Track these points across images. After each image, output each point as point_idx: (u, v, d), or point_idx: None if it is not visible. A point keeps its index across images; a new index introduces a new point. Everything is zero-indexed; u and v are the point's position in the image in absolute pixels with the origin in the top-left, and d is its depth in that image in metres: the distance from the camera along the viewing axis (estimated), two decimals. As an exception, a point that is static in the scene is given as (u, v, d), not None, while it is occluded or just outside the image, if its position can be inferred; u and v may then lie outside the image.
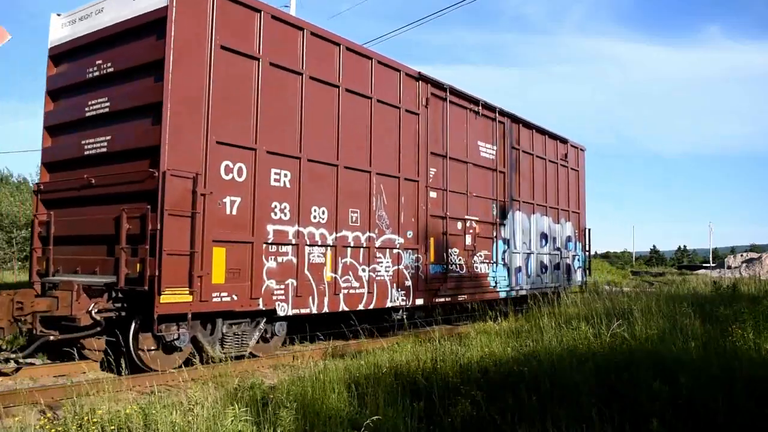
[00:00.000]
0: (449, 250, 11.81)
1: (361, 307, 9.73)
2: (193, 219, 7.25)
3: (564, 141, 17.03)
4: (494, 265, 13.25)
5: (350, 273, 9.58)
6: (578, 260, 17.79)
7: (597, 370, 5.85)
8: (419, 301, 10.96)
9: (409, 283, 10.73)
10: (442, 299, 11.55)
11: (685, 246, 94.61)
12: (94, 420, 4.61)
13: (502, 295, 13.55)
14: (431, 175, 11.45)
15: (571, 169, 17.30)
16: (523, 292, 14.40)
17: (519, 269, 14.30)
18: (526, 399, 5.09)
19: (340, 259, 9.37)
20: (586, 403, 4.99)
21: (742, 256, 46.63)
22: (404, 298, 10.61)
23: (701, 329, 7.81)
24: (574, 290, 16.88)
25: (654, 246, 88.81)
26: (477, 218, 12.67)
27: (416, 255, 10.93)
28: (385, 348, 8.35)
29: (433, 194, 11.46)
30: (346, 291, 9.45)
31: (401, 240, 10.57)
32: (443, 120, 11.92)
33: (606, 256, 79.52)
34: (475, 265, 12.60)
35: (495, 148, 13.54)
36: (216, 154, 7.63)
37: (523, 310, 13.56)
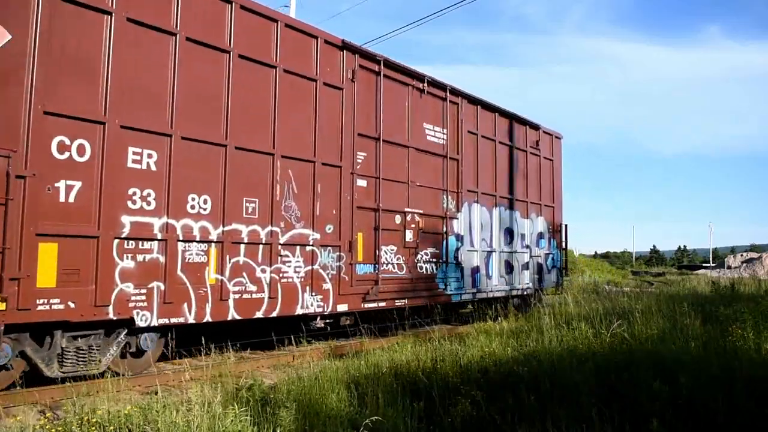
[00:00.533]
0: (383, 248, 10.25)
1: (259, 314, 8.13)
2: (6, 207, 5.87)
3: (535, 127, 15.27)
4: (444, 264, 11.63)
5: (244, 274, 8.00)
6: (553, 259, 15.99)
7: (597, 370, 5.85)
8: (342, 307, 9.38)
9: (327, 286, 9.14)
10: (374, 304, 9.94)
11: (685, 246, 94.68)
12: (94, 420, 4.61)
13: (455, 298, 11.96)
14: (360, 161, 9.89)
15: (544, 158, 15.57)
16: (483, 295, 12.78)
17: (477, 269, 12.63)
18: (526, 399, 5.09)
19: (228, 257, 7.81)
20: (586, 403, 4.99)
21: (742, 256, 46.63)
22: (321, 303, 9.03)
23: (701, 329, 7.81)
24: (550, 292, 16.24)
25: (654, 246, 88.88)
26: (421, 211, 11.10)
27: (338, 253, 9.38)
28: (385, 348, 8.35)
29: (362, 182, 9.92)
30: (237, 296, 7.88)
31: (317, 235, 9.02)
32: (376, 97, 10.33)
33: (606, 256, 79.54)
34: (418, 264, 11.01)
35: (446, 132, 11.94)
36: (44, 127, 6.19)
37: (472, 317, 12.18)
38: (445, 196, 11.85)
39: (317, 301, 9.00)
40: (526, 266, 14.51)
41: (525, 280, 14.38)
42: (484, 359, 6.69)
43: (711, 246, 78.08)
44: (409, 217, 10.89)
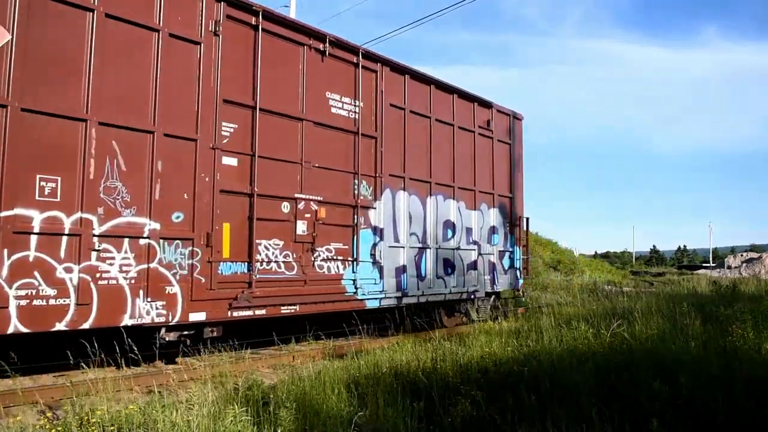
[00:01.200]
0: (263, 243, 8.36)
1: (62, 326, 6.30)
2: None
3: (486, 104, 13.07)
4: (354, 263, 9.63)
5: (37, 274, 6.21)
6: (510, 258, 13.77)
7: (597, 370, 5.85)
8: (197, 316, 7.51)
9: (174, 289, 7.28)
10: (247, 312, 8.07)
11: (685, 246, 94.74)
12: (94, 420, 4.61)
13: (372, 304, 9.93)
14: (227, 134, 8.02)
15: (499, 141, 13.39)
16: (412, 300, 10.82)
17: (403, 269, 10.62)
18: (526, 399, 5.10)
19: (7, 252, 6.01)
20: (586, 403, 4.99)
21: (742, 256, 46.63)
22: (164, 311, 7.16)
23: (701, 329, 7.81)
24: (508, 294, 14.58)
25: (654, 246, 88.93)
26: (320, 198, 9.11)
27: (191, 248, 7.50)
28: (385, 348, 8.35)
29: (229, 160, 8.06)
30: (24, 302, 6.06)
31: (156, 225, 7.14)
32: (254, 57, 8.39)
33: (606, 256, 79.57)
34: (316, 263, 9.05)
35: (359, 104, 9.96)
36: None
37: (397, 326, 10.80)
38: (356, 181, 9.81)
39: (157, 308, 7.13)
40: (473, 265, 12.37)
41: (472, 281, 12.31)
42: (484, 359, 6.69)
43: (711, 246, 78.10)
44: (302, 206, 8.86)
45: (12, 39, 6.11)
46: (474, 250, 12.46)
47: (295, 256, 8.80)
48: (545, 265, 29.87)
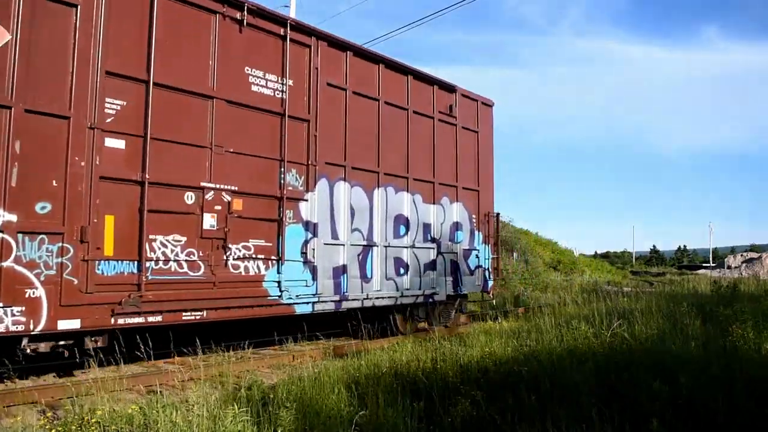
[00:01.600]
0: (158, 238, 7.23)
1: None
2: None
3: (448, 88, 11.90)
4: (278, 263, 8.44)
5: None
6: (477, 257, 12.49)
7: (597, 370, 5.86)
8: (69, 324, 6.39)
9: (37, 292, 6.18)
10: (136, 319, 6.94)
11: (685, 246, 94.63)
12: (95, 420, 4.61)
13: (303, 309, 8.78)
14: (112, 111, 6.92)
15: (464, 128, 12.21)
16: (355, 304, 9.61)
17: (343, 269, 9.44)
18: (526, 399, 5.10)
19: None
20: (586, 403, 4.99)
21: (742, 256, 46.65)
22: (24, 318, 6.07)
23: (701, 329, 7.81)
24: (476, 297, 13.49)
25: (654, 246, 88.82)
26: (235, 188, 7.97)
27: (60, 244, 6.40)
28: (385, 348, 8.35)
29: (114, 143, 6.95)
30: None
31: (12, 217, 6.09)
32: (150, 24, 7.29)
33: (606, 256, 79.55)
34: (230, 262, 7.87)
35: (288, 82, 8.77)
36: None
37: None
38: (283, 170, 8.62)
39: (14, 315, 6.03)
40: (431, 266, 11.22)
41: (430, 283, 11.15)
42: (484, 359, 6.69)
43: (711, 246, 78.07)
44: (210, 196, 7.72)
45: None
46: (432, 248, 11.26)
47: (201, 254, 7.60)
48: (545, 265, 29.87)
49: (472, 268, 12.40)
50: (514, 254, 25.57)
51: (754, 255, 44.98)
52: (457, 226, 11.97)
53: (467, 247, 12.24)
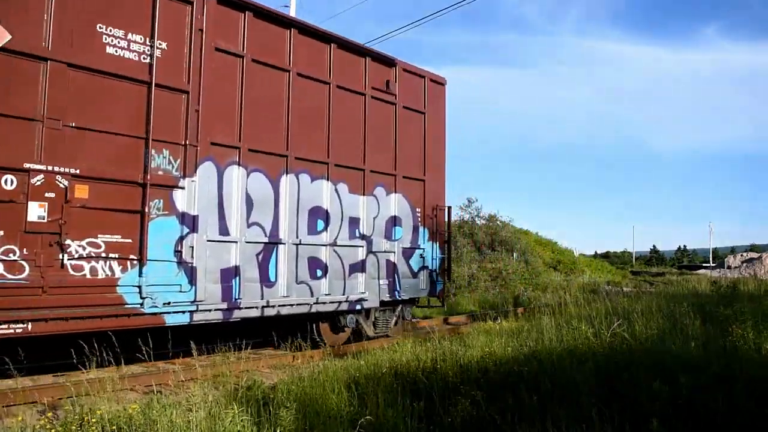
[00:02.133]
0: None
1: None
2: None
3: (386, 62, 10.35)
4: (138, 264, 7.00)
5: None
6: (422, 257, 10.98)
7: (597, 370, 5.86)
8: None
9: None
10: None
11: (685, 246, 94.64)
12: (94, 420, 4.61)
13: (174, 319, 7.34)
14: None
15: (407, 108, 10.71)
16: (252, 313, 8.12)
17: (236, 272, 7.93)
18: (526, 399, 5.10)
19: None
20: (586, 403, 4.99)
21: (742, 256, 46.65)
22: None
23: (701, 329, 7.81)
24: (424, 302, 11.72)
25: (654, 246, 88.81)
26: (77, 171, 6.56)
27: None
28: (385, 348, 8.36)
29: None
30: None
31: None
32: None
33: (606, 256, 79.55)
34: (68, 263, 6.47)
35: (160, 45, 7.34)
36: None
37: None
38: (149, 150, 7.16)
39: None
40: (359, 267, 9.67)
41: (357, 287, 9.58)
42: (484, 359, 6.70)
43: (711, 246, 78.07)
44: (39, 180, 6.30)
45: None
46: (361, 247, 9.68)
47: (25, 252, 6.18)
48: (545, 265, 29.88)
49: (416, 269, 10.83)
50: (514, 254, 25.57)
51: (754, 255, 44.99)
52: (395, 221, 10.40)
53: (409, 246, 10.68)
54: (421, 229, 11.00)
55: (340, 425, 4.71)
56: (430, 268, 11.17)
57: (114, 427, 4.56)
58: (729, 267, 42.66)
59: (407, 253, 10.71)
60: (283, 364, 8.49)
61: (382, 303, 10.20)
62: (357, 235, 9.73)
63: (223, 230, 7.92)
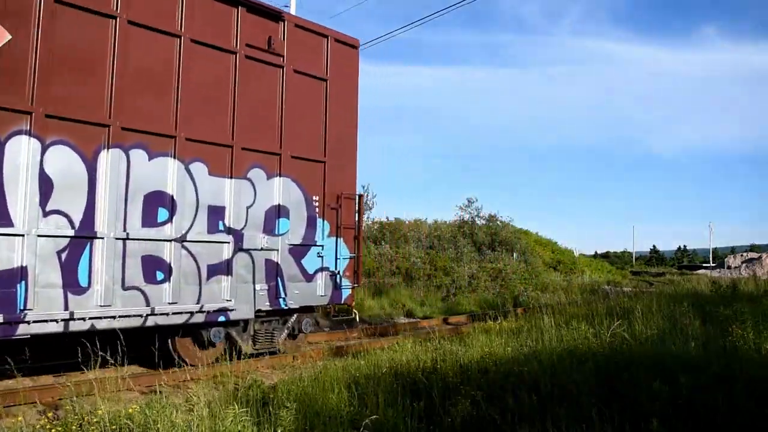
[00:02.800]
0: None
1: None
2: None
3: (270, 14, 8.53)
4: None
5: None
6: (319, 256, 8.98)
7: (597, 370, 5.86)
8: None
9: None
10: None
11: (685, 246, 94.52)
12: (95, 420, 4.61)
13: None
14: None
15: (299, 73, 8.77)
16: (49, 327, 6.31)
17: (20, 274, 6.13)
18: (526, 399, 5.10)
19: None
20: (586, 403, 5.00)
21: (742, 256, 46.66)
22: None
23: (701, 329, 7.82)
24: (321, 313, 10.37)
25: (654, 246, 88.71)
26: None
27: None
28: (385, 348, 8.36)
29: None
30: None
31: None
32: None
33: (606, 256, 79.55)
34: None
35: None
36: None
37: None
38: None
39: None
40: (223, 268, 7.79)
41: (222, 294, 7.73)
42: (484, 359, 6.70)
43: (711, 246, 78.05)
44: None
45: None
46: (226, 243, 7.82)
47: None
48: (545, 265, 29.87)
49: (311, 271, 8.88)
50: (514, 254, 25.57)
51: (754, 255, 44.99)
52: (279, 212, 8.49)
53: (301, 242, 8.72)
54: (319, 222, 9.01)
55: (340, 425, 4.71)
56: (332, 269, 9.16)
57: (114, 427, 4.56)
58: (729, 267, 42.66)
59: (298, 252, 8.69)
60: (283, 364, 8.49)
61: (260, 313, 8.28)
62: (220, 228, 7.80)
63: (2, 220, 6.06)
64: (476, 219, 26.98)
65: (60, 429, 4.63)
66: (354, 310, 9.83)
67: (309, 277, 8.92)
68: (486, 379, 5.90)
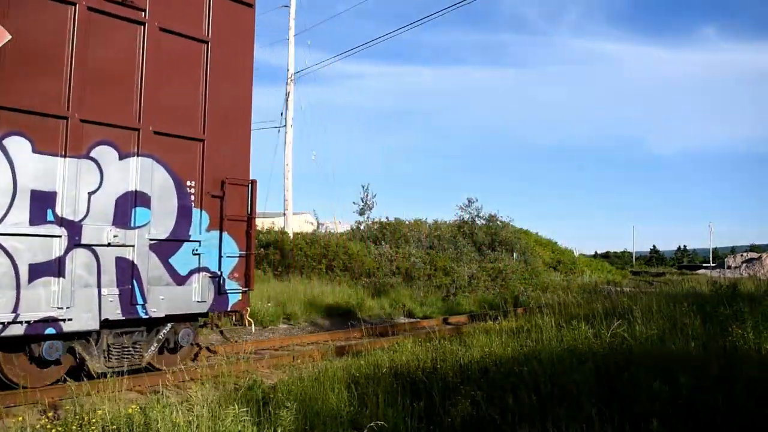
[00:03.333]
0: None
1: None
2: None
3: None
4: None
5: None
6: (194, 254, 7.62)
7: (597, 370, 5.86)
8: None
9: None
10: None
11: (685, 246, 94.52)
12: (95, 420, 4.62)
13: None
14: None
15: (166, 32, 7.46)
16: None
17: None
18: (526, 399, 5.10)
19: None
20: (586, 403, 4.99)
21: (742, 256, 46.68)
22: None
23: (701, 329, 7.81)
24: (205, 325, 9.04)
25: (654, 246, 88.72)
26: None
27: None
28: (385, 348, 8.36)
29: None
30: None
31: None
32: None
33: (606, 256, 79.57)
34: None
35: None
36: None
37: None
38: None
39: None
40: (54, 268, 6.44)
41: (52, 301, 6.38)
42: (484, 359, 6.70)
43: (711, 246, 78.06)
44: None
45: None
46: (57, 237, 6.47)
47: None
48: (545, 265, 29.87)
49: (184, 272, 7.50)
50: (514, 254, 25.58)
51: (754, 255, 45.01)
52: (136, 200, 7.14)
53: (168, 237, 7.37)
54: (196, 212, 7.66)
55: (340, 425, 4.71)
56: (213, 270, 7.79)
57: (114, 427, 4.56)
58: (729, 267, 42.66)
59: (164, 249, 7.33)
60: (283, 364, 8.49)
61: (111, 324, 6.91)
62: (49, 218, 6.45)
63: None
64: (476, 219, 27.01)
65: (60, 429, 4.63)
66: (248, 319, 8.37)
67: (180, 280, 7.45)
68: (486, 379, 5.90)
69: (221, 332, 8.33)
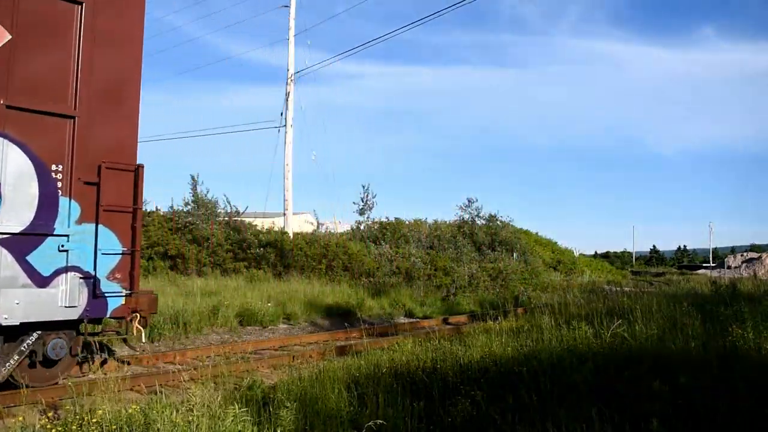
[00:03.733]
0: None
1: None
2: None
3: None
4: None
5: None
6: (60, 250, 6.44)
7: (597, 370, 5.86)
8: None
9: None
10: None
11: (685, 246, 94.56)
12: (95, 420, 4.61)
13: None
14: None
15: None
16: None
17: None
18: (526, 399, 5.10)
19: None
20: (586, 402, 4.99)
21: (742, 256, 46.68)
22: None
23: (701, 329, 7.81)
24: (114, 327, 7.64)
25: (654, 246, 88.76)
26: None
27: None
28: (385, 348, 8.35)
29: None
30: None
31: None
32: None
33: (606, 256, 79.61)
34: None
35: None
36: None
37: None
38: None
39: None
40: None
41: None
42: (484, 359, 6.70)
43: (711, 246, 78.07)
44: None
45: None
46: None
47: None
48: (545, 265, 29.87)
49: (46, 273, 6.37)
50: (514, 254, 25.58)
51: (754, 255, 45.01)
52: None
53: (24, 230, 6.24)
54: (63, 201, 6.54)
55: (340, 425, 4.71)
56: (86, 270, 6.62)
57: (114, 427, 4.56)
58: (729, 267, 42.67)
59: (19, 244, 6.20)
60: (283, 364, 8.49)
61: None
62: None
63: None
64: (476, 219, 27.01)
65: (60, 429, 4.63)
66: (137, 327, 6.99)
67: (42, 281, 6.30)
68: (486, 379, 5.90)
69: (124, 340, 7.21)
